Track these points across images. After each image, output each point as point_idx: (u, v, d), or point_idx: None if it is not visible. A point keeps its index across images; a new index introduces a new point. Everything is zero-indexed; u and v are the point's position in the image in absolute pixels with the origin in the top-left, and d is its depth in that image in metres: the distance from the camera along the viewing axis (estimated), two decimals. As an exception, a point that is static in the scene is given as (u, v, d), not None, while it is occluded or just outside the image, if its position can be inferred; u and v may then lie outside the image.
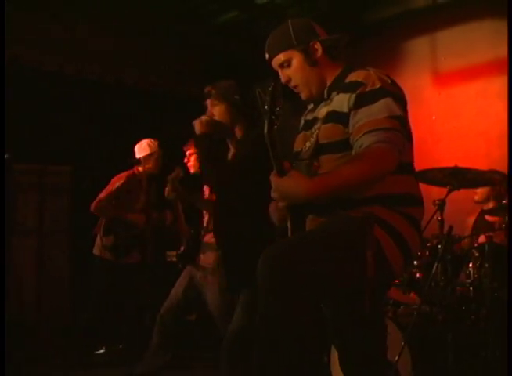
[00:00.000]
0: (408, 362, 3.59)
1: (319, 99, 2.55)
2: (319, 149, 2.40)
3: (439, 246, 3.99)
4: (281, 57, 2.53)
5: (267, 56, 2.59)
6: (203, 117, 3.35)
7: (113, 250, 5.28)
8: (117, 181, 5.33)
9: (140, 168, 5.33)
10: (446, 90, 6.24)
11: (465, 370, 3.76)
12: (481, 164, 4.76)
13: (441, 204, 4.04)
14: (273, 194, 2.29)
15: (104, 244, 5.27)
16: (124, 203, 5.30)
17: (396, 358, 3.52)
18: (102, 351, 5.62)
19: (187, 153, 4.51)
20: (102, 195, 5.27)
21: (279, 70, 2.56)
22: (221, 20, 6.71)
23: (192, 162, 4.46)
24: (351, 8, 6.57)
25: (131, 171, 5.35)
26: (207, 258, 4.24)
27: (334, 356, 3.59)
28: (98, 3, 6.01)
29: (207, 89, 3.38)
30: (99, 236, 5.34)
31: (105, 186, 5.32)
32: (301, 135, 2.60)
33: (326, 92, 2.51)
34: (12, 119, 5.86)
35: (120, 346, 5.56)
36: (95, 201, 5.26)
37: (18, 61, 6.09)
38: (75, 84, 6.30)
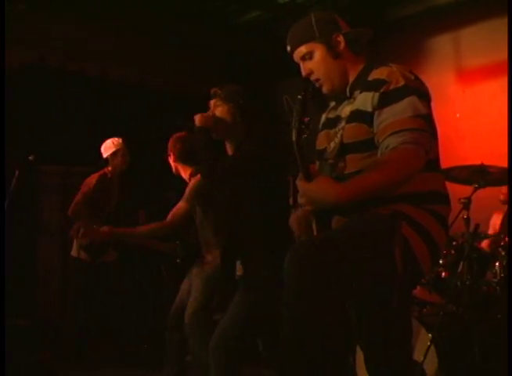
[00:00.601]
0: (434, 362, 3.57)
1: (341, 97, 2.53)
2: (344, 149, 2.37)
3: (465, 244, 3.95)
4: (303, 49, 2.49)
5: (289, 48, 2.55)
6: (205, 113, 3.34)
7: (89, 250, 5.31)
8: (90, 182, 5.39)
9: (109, 167, 5.38)
10: (470, 87, 6.19)
11: (491, 369, 3.71)
12: (505, 161, 4.71)
13: (466, 203, 4.00)
14: (300, 200, 2.28)
15: (80, 243, 5.30)
16: (98, 203, 5.34)
17: (422, 358, 3.49)
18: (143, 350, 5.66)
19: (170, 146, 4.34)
20: (78, 198, 5.32)
21: (301, 63, 2.52)
22: (243, 20, 6.70)
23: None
24: (373, 6, 6.53)
25: (101, 171, 5.41)
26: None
27: (360, 356, 3.57)
28: (109, 3, 6.04)
29: (213, 90, 3.34)
30: (75, 239, 5.39)
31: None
32: (323, 134, 2.58)
33: (348, 89, 2.48)
34: (36, 121, 5.94)
35: (146, 346, 5.58)
36: (72, 205, 5.32)
37: (43, 63, 6.15)
38: (98, 84, 6.34)
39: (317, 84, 2.51)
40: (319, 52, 2.47)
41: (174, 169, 4.26)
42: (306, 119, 2.24)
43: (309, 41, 2.48)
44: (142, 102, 6.52)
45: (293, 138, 2.25)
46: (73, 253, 5.45)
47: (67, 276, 5.98)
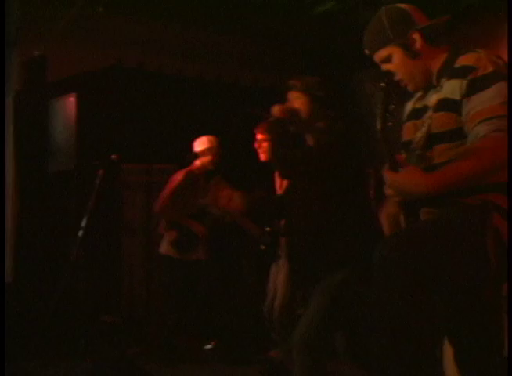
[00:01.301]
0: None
1: (428, 86, 2.45)
2: (432, 139, 2.31)
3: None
4: (380, 54, 2.44)
5: (366, 52, 2.51)
6: (283, 105, 3.30)
7: (178, 246, 5.32)
8: (176, 178, 5.36)
9: (198, 163, 5.33)
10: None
11: None
12: None
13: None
14: (387, 190, 2.23)
15: (168, 239, 5.32)
16: (184, 199, 5.31)
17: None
18: (209, 346, 5.69)
19: (258, 137, 4.38)
20: (164, 194, 5.32)
21: (382, 66, 2.47)
22: (317, 11, 6.63)
23: (263, 148, 4.34)
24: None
25: (188, 167, 5.36)
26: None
27: (448, 351, 3.47)
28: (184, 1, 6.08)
29: (292, 82, 3.31)
30: (164, 235, 5.40)
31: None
32: (409, 124, 2.51)
33: (434, 78, 2.41)
34: (118, 121, 6.06)
35: (213, 342, 5.61)
36: (159, 201, 5.34)
37: (120, 64, 6.27)
38: (176, 83, 6.41)
39: (402, 84, 2.46)
40: (396, 55, 2.42)
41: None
42: (391, 107, 2.19)
43: (385, 45, 2.43)
44: (219, 98, 6.54)
45: (378, 126, 2.21)
46: (162, 250, 5.45)
47: (151, 273, 6.07)
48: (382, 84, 2.23)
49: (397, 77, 2.44)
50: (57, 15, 5.73)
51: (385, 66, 2.46)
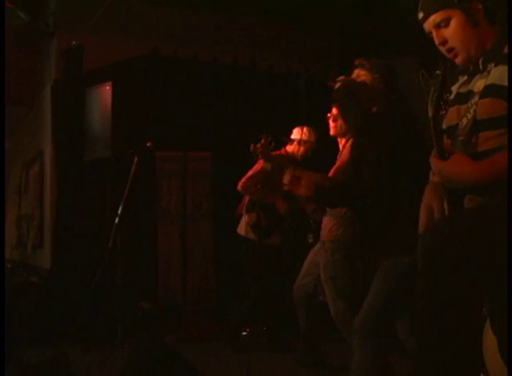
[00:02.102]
0: None
1: (472, 71, 2.37)
2: (477, 125, 2.24)
3: None
4: (438, 16, 2.33)
5: (421, 14, 2.40)
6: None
7: (256, 228, 5.31)
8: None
9: (289, 149, 5.25)
10: None
11: None
12: None
13: None
14: (433, 177, 2.19)
15: (247, 221, 5.31)
16: (270, 181, 5.27)
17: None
18: (245, 333, 5.70)
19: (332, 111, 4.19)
20: (250, 173, 5.24)
21: (434, 31, 2.37)
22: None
23: (333, 124, 4.15)
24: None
25: (279, 151, 5.25)
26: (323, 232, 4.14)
27: (487, 339, 3.41)
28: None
29: (359, 61, 3.27)
30: (243, 216, 5.38)
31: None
32: (453, 109, 2.40)
33: (481, 62, 2.32)
34: (153, 109, 6.09)
35: (264, 328, 5.60)
36: (243, 179, 5.25)
37: (156, 52, 6.30)
38: (210, 71, 6.42)
39: (449, 55, 2.37)
40: (456, 20, 2.32)
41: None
42: (446, 95, 2.15)
43: (446, 7, 2.32)
44: (254, 85, 6.53)
45: (430, 113, 2.16)
46: (241, 231, 5.40)
47: (187, 260, 6.09)
48: (438, 71, 2.18)
49: (449, 45, 2.34)
50: (93, 5, 5.77)
51: (438, 33, 2.35)
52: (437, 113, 2.17)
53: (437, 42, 2.36)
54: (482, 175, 2.10)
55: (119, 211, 4.99)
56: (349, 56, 6.51)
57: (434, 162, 2.19)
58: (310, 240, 4.50)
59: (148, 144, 5.14)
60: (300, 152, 5.20)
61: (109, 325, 5.12)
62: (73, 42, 5.87)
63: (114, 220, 4.98)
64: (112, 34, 6.05)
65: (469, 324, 2.05)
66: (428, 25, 2.38)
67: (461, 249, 2.01)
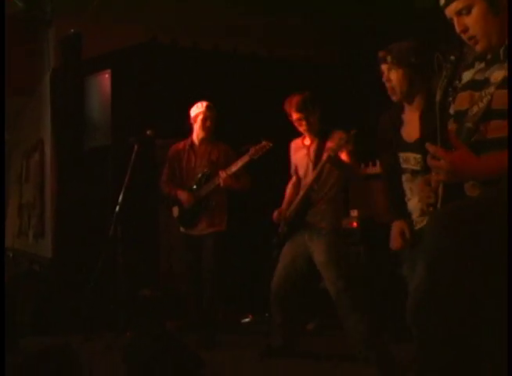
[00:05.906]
0: None
1: (492, 59, 2.32)
2: (490, 114, 2.20)
3: None
4: (460, 3, 2.28)
5: (443, 1, 2.35)
6: None
7: (179, 221, 5.19)
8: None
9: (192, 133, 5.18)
10: None
11: None
12: None
13: None
14: (431, 162, 2.16)
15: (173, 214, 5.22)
16: (177, 172, 5.22)
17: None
18: (247, 319, 5.72)
19: None
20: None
21: (455, 18, 2.32)
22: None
23: None
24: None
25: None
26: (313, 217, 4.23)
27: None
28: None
29: (381, 54, 3.19)
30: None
31: None
32: (465, 94, 2.36)
33: (502, 52, 2.28)
34: (153, 96, 6.08)
35: (267, 315, 5.61)
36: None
37: (155, 40, 6.27)
38: (210, 58, 6.39)
39: (469, 42, 2.32)
40: (478, 7, 2.26)
41: None
42: (456, 82, 2.13)
43: None
44: (254, 73, 6.50)
45: (438, 98, 2.14)
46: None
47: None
48: (452, 57, 2.15)
49: (470, 33, 2.30)
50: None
51: (459, 20, 2.30)
52: (444, 98, 2.14)
53: (458, 30, 2.31)
54: (484, 173, 2.09)
55: (119, 199, 4.99)
56: (350, 41, 6.49)
57: (439, 151, 2.14)
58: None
59: (148, 132, 5.12)
60: (203, 128, 5.11)
61: (111, 313, 5.13)
62: (72, 30, 5.85)
63: (115, 208, 4.99)
64: (111, 22, 6.01)
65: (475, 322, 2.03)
66: (450, 11, 2.33)
67: (468, 235, 2.00)
